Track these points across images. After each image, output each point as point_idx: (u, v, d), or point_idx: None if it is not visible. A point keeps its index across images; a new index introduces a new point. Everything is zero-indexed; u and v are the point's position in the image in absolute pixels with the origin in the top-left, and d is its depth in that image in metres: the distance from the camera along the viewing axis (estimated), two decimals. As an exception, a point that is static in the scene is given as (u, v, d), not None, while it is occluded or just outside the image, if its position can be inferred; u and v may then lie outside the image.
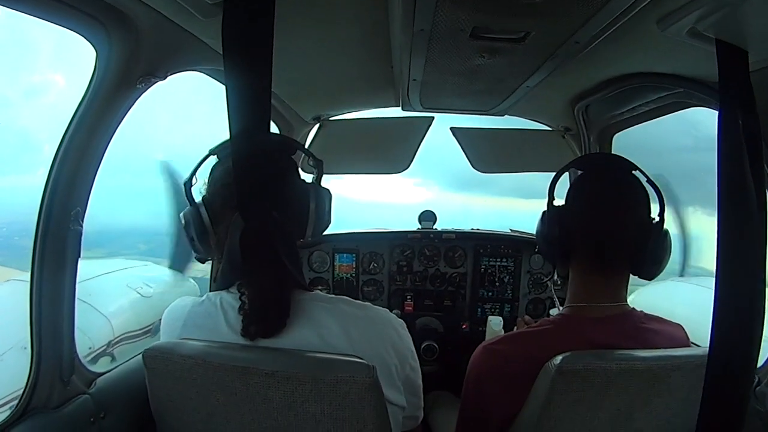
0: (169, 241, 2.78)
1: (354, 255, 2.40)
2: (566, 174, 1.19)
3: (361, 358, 0.84)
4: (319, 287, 2.35)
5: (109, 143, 1.06)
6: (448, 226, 2.46)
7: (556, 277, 2.14)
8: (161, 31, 1.04)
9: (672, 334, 1.07)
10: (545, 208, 1.14)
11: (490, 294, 2.40)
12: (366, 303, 0.99)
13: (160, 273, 2.80)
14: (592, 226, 1.08)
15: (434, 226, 2.44)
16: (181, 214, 1.00)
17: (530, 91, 1.50)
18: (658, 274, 1.11)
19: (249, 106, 0.83)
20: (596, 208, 1.09)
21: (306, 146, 2.07)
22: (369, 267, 2.41)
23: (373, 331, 0.94)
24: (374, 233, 2.46)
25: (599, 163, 1.26)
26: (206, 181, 1.02)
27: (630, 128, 1.84)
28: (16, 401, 0.99)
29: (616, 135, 1.92)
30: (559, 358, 0.92)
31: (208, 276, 2.00)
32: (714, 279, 0.85)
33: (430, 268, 2.41)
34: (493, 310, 2.40)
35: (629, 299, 1.11)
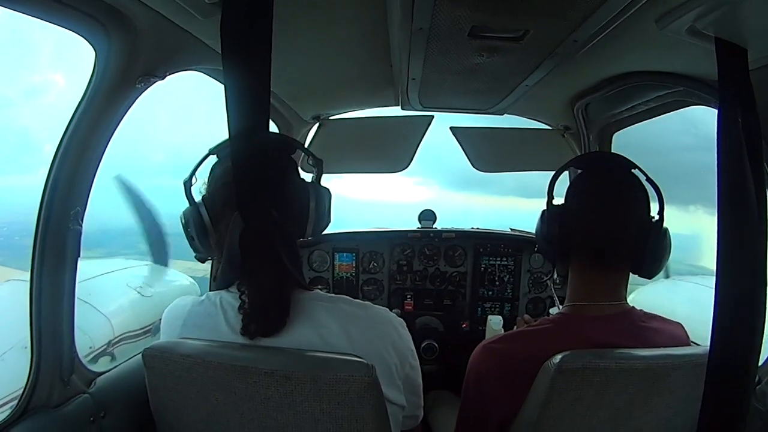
0: (143, 240, 2.81)
1: (354, 254, 2.40)
2: (566, 173, 1.19)
3: (361, 357, 0.84)
4: (319, 286, 2.35)
5: (108, 143, 1.06)
6: (448, 226, 2.46)
7: (555, 276, 2.14)
8: (160, 31, 1.04)
9: (672, 332, 1.07)
10: (545, 207, 1.14)
11: (490, 293, 2.40)
12: (366, 302, 0.99)
13: (158, 272, 2.81)
14: (592, 224, 1.08)
15: (434, 225, 2.44)
16: (181, 214, 1.00)
17: (529, 89, 1.50)
18: (658, 273, 1.11)
19: (248, 106, 0.83)
20: (595, 207, 1.09)
21: (305, 145, 2.07)
22: (369, 266, 2.41)
23: (373, 331, 0.94)
24: (374, 232, 2.46)
25: (598, 162, 1.26)
26: (206, 180, 1.02)
27: (630, 127, 1.83)
28: (16, 401, 0.99)
29: (616, 134, 1.91)
30: (559, 356, 0.92)
31: (208, 275, 2.00)
32: (714, 277, 0.85)
33: (430, 267, 2.41)
34: (493, 309, 2.40)
35: (629, 298, 1.11)
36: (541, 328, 1.08)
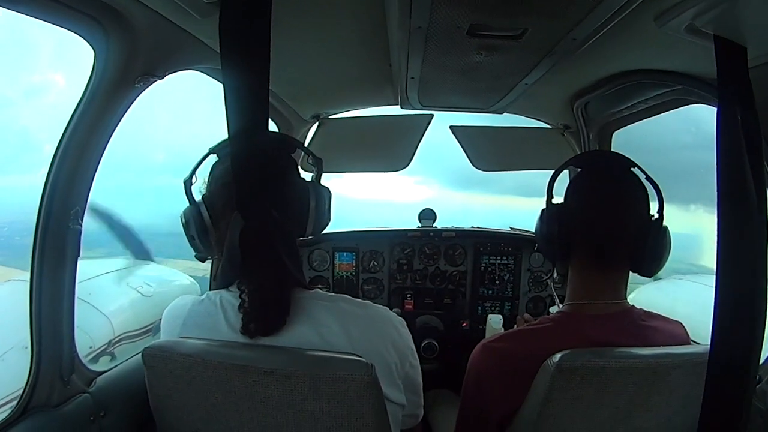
0: (117, 242, 2.83)
1: (354, 253, 2.40)
2: (566, 172, 1.19)
3: (360, 356, 0.84)
4: (319, 286, 2.35)
5: (108, 142, 1.06)
6: (448, 225, 2.46)
7: (555, 274, 2.14)
8: (159, 31, 1.04)
9: (672, 331, 1.07)
10: (544, 206, 1.14)
11: (490, 292, 2.40)
12: (366, 301, 0.99)
13: (159, 271, 2.81)
14: (591, 223, 1.08)
15: (434, 224, 2.44)
16: (181, 213, 1.00)
17: (529, 88, 1.50)
18: (658, 271, 1.11)
19: (247, 105, 0.83)
20: (595, 206, 1.09)
21: (305, 145, 2.07)
22: (369, 265, 2.41)
23: (373, 330, 0.94)
24: (374, 232, 2.46)
25: (597, 161, 1.26)
26: (205, 180, 1.02)
27: (630, 126, 1.83)
28: (16, 401, 0.99)
29: (616, 132, 1.91)
30: (559, 355, 0.92)
31: (208, 275, 2.00)
32: (714, 276, 0.85)
33: (430, 267, 2.41)
34: (493, 308, 2.40)
35: (629, 297, 1.11)
36: (541, 326, 1.08)
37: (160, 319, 1.02)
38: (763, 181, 0.88)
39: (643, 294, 2.59)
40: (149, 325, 2.24)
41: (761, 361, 1.15)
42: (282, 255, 0.87)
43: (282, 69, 1.49)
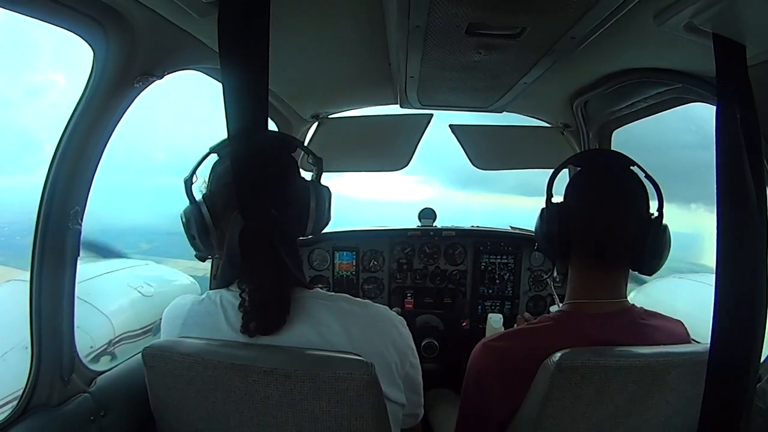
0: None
1: (354, 253, 2.40)
2: (565, 171, 1.19)
3: (360, 356, 0.84)
4: (320, 285, 2.35)
5: (107, 142, 1.07)
6: (449, 224, 2.46)
7: (555, 274, 2.14)
8: (157, 31, 1.04)
9: (672, 330, 1.07)
10: (544, 206, 1.14)
11: (490, 291, 2.40)
12: (366, 301, 0.99)
13: (159, 271, 2.81)
14: (591, 222, 1.08)
15: (434, 224, 2.44)
16: (182, 212, 1.00)
17: (528, 87, 1.50)
18: (658, 270, 1.11)
19: (247, 105, 0.83)
20: (595, 204, 1.09)
21: (305, 144, 2.07)
22: (369, 265, 2.41)
23: (374, 329, 0.94)
24: (374, 231, 2.46)
25: (597, 160, 1.25)
26: (206, 179, 1.02)
27: (630, 125, 1.83)
28: (16, 401, 0.99)
29: (616, 131, 1.91)
30: (558, 354, 0.92)
31: (209, 274, 2.00)
32: (714, 275, 0.85)
33: (430, 266, 2.41)
34: (493, 307, 2.40)
35: (630, 297, 1.11)
36: (540, 325, 1.08)
37: (161, 319, 1.02)
38: (763, 180, 0.88)
39: (644, 293, 2.59)
40: (149, 324, 2.25)
41: (762, 360, 1.15)
42: (282, 254, 0.87)
43: (281, 68, 1.49)
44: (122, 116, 1.08)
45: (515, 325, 1.41)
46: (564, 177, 1.19)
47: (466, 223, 2.49)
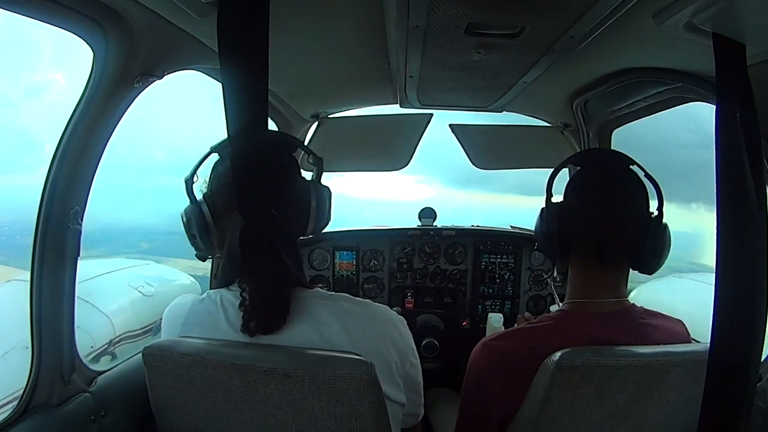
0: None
1: (354, 252, 2.40)
2: (565, 170, 1.19)
3: (360, 355, 0.84)
4: (320, 285, 2.35)
5: (107, 142, 1.07)
6: (450, 224, 2.46)
7: (556, 273, 2.14)
8: (157, 31, 1.04)
9: (672, 329, 1.07)
10: (544, 205, 1.14)
11: (490, 291, 2.40)
12: (366, 300, 0.99)
13: (159, 271, 2.80)
14: (591, 221, 1.08)
15: (434, 223, 2.44)
16: (182, 212, 1.00)
17: (528, 87, 1.50)
18: (658, 269, 1.11)
19: (247, 105, 0.83)
20: (594, 204, 1.09)
21: (305, 144, 2.07)
22: (369, 264, 2.41)
23: (374, 329, 0.94)
24: (374, 230, 2.46)
25: (597, 159, 1.25)
26: (206, 179, 1.02)
27: (630, 124, 1.83)
28: (17, 401, 0.99)
29: (616, 130, 1.91)
30: (558, 354, 0.92)
31: (209, 274, 2.00)
32: (714, 274, 0.85)
33: (430, 265, 2.41)
34: (493, 307, 2.40)
35: (630, 296, 1.11)
36: (540, 325, 1.08)
37: (161, 319, 1.02)
38: (763, 180, 0.88)
39: (644, 292, 2.59)
40: (150, 324, 2.25)
41: (762, 359, 1.15)
42: (282, 254, 0.87)
43: (281, 68, 1.49)
44: (122, 116, 1.08)
45: (515, 325, 1.41)
46: (564, 176, 1.19)
47: (466, 223, 2.49)
